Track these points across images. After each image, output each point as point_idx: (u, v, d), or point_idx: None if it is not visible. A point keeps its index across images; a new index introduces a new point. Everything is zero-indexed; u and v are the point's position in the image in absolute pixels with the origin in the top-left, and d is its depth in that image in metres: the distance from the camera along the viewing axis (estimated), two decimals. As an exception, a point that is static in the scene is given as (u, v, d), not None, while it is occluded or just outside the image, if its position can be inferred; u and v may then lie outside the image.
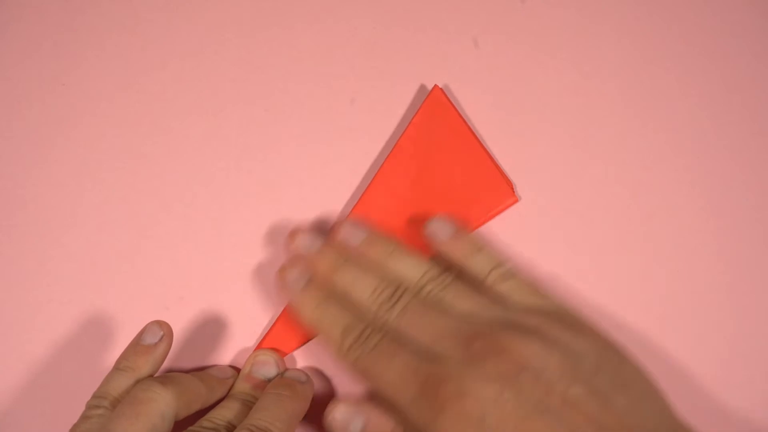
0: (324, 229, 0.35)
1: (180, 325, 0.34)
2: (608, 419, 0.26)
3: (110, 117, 0.37)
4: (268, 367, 0.32)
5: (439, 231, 0.32)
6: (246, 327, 0.34)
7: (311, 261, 0.32)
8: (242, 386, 0.32)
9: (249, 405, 0.31)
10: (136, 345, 0.30)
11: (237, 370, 0.33)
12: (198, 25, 0.38)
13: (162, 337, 0.30)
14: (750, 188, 0.35)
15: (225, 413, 0.30)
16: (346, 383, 0.33)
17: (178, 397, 0.28)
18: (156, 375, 0.30)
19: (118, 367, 0.29)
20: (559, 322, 0.28)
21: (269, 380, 0.32)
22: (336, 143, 0.36)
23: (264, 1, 0.38)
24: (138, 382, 0.29)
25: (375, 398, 0.29)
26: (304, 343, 0.33)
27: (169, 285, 0.34)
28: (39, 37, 0.38)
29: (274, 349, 0.33)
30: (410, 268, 0.31)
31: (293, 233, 0.33)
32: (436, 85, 0.35)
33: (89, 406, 0.28)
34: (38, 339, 0.34)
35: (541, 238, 0.35)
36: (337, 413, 0.28)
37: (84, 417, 0.28)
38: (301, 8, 0.38)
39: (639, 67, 0.37)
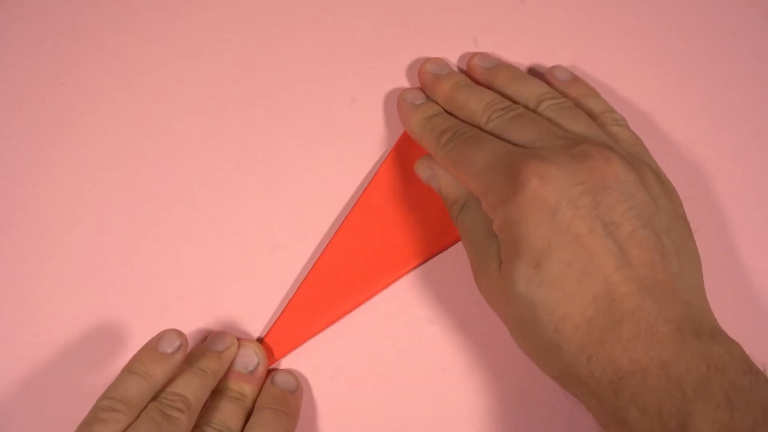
0: (322, 233, 0.35)
1: (180, 325, 0.34)
2: (660, 272, 0.26)
3: (110, 117, 0.37)
4: (247, 359, 0.32)
5: (561, 74, 0.34)
6: (246, 327, 0.34)
7: (436, 81, 0.34)
8: (231, 384, 0.32)
9: (240, 404, 0.31)
10: (153, 350, 0.29)
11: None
12: (198, 25, 0.38)
13: (179, 348, 0.29)
14: (750, 188, 0.35)
15: (223, 418, 0.30)
16: (346, 382, 0.33)
17: (196, 413, 0.29)
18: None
19: (133, 371, 0.29)
20: (658, 177, 0.29)
21: (251, 372, 0.32)
22: (336, 143, 0.36)
23: (264, 1, 0.38)
24: (158, 399, 0.29)
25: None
26: (304, 343, 0.33)
27: (169, 285, 0.34)
28: (39, 37, 0.38)
29: (259, 341, 0.33)
30: (534, 89, 0.32)
31: (426, 61, 0.35)
32: None
33: (103, 408, 0.27)
34: (38, 339, 0.34)
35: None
36: (425, 171, 0.32)
37: (99, 419, 0.27)
38: (301, 8, 0.38)
39: (639, 67, 0.37)
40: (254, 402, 0.32)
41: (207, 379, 0.30)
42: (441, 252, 0.34)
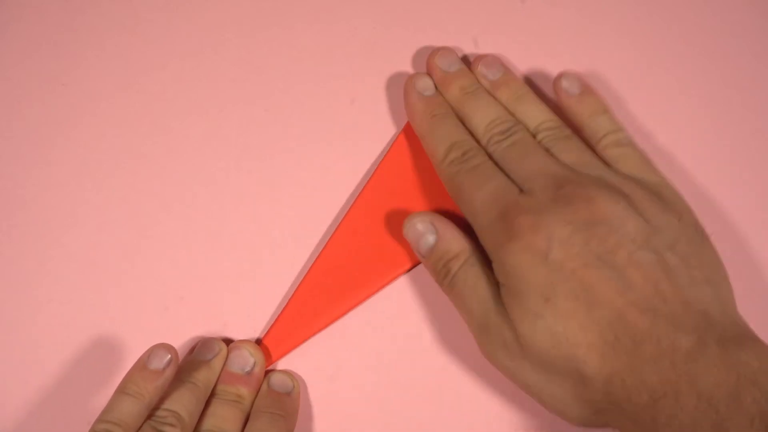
0: (322, 232, 0.35)
1: (180, 325, 0.34)
2: (666, 288, 0.26)
3: (110, 117, 0.37)
4: (243, 360, 0.32)
5: (570, 86, 0.33)
6: (246, 327, 0.34)
7: (445, 80, 0.34)
8: (228, 386, 0.32)
9: (237, 407, 0.31)
10: (143, 369, 0.29)
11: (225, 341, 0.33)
12: (198, 25, 0.38)
13: (169, 362, 0.29)
14: (751, 188, 0.35)
15: (220, 423, 0.30)
16: (345, 382, 0.33)
17: (191, 426, 0.30)
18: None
19: (125, 392, 0.29)
20: (653, 196, 0.29)
21: (248, 373, 0.32)
22: (336, 143, 0.36)
23: (264, 1, 0.38)
24: (152, 418, 0.29)
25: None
26: (303, 342, 0.33)
27: (169, 285, 0.34)
28: (39, 37, 0.38)
29: (257, 342, 0.33)
30: (533, 114, 0.33)
31: (436, 51, 0.35)
32: None
33: (99, 431, 0.27)
34: (38, 339, 0.34)
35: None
36: (418, 224, 0.31)
37: None
38: (301, 8, 0.38)
39: (639, 67, 0.37)
40: (252, 403, 0.32)
41: (198, 391, 0.30)
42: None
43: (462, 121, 0.33)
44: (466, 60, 0.36)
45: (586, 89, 0.33)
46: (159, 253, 0.35)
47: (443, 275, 0.31)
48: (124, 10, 0.38)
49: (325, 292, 0.33)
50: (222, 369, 0.32)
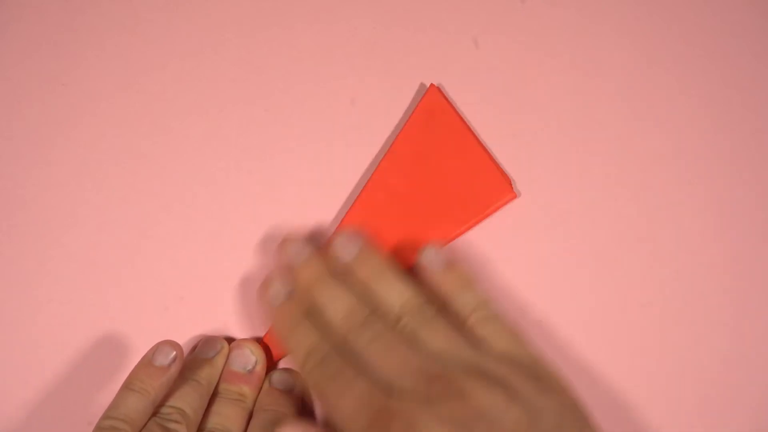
0: (322, 232, 0.35)
1: (180, 325, 0.34)
2: None
3: (110, 117, 0.37)
4: (245, 359, 0.32)
5: (433, 261, 0.31)
6: (246, 327, 0.34)
7: (295, 271, 0.32)
8: (230, 385, 0.32)
9: (240, 405, 0.31)
10: (148, 365, 0.29)
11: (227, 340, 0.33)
12: (198, 25, 0.38)
13: (175, 359, 0.30)
14: (751, 188, 0.35)
15: (224, 421, 0.30)
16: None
17: (196, 423, 0.29)
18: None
19: (131, 388, 0.29)
20: (529, 376, 0.28)
21: (250, 372, 0.32)
22: (336, 143, 0.36)
23: (264, 1, 0.38)
24: (157, 415, 0.29)
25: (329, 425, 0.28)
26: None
27: (169, 285, 0.34)
28: (39, 37, 0.38)
29: (257, 340, 0.33)
30: (393, 295, 0.30)
31: (284, 240, 0.32)
32: (432, 84, 0.36)
33: (105, 428, 0.28)
34: (38, 339, 0.34)
35: (540, 235, 0.35)
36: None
37: None
38: (301, 8, 0.38)
39: (639, 67, 0.37)
40: (254, 401, 0.32)
41: (201, 388, 0.31)
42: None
43: (320, 314, 0.30)
44: (461, 67, 0.36)
45: (450, 264, 0.31)
46: (159, 253, 0.35)
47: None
48: (124, 10, 0.38)
49: None
50: (224, 367, 0.32)
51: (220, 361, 0.32)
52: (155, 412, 0.29)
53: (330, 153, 0.36)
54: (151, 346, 0.30)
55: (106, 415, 0.28)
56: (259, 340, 0.33)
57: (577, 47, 0.37)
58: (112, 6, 0.38)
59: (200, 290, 0.34)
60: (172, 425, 0.29)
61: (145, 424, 0.28)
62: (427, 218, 0.34)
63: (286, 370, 0.33)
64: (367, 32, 0.38)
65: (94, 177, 0.36)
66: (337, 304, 0.30)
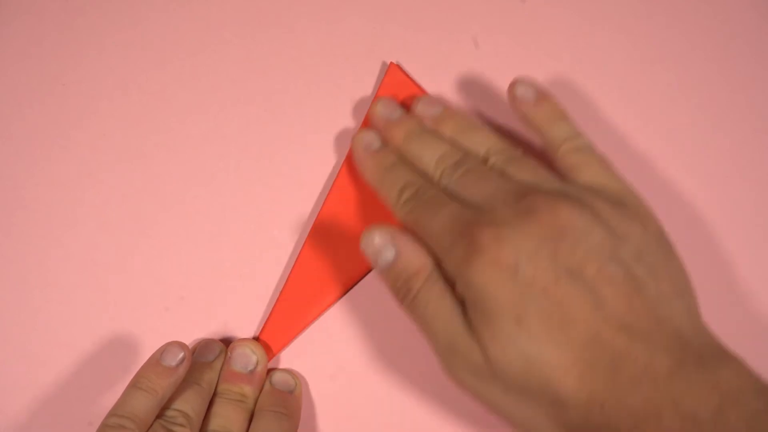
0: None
1: (180, 325, 0.34)
2: (637, 303, 0.25)
3: (110, 117, 0.37)
4: (246, 359, 0.32)
5: (526, 93, 0.32)
6: (246, 327, 0.34)
7: (389, 128, 0.33)
8: (232, 386, 0.32)
9: (242, 406, 0.31)
10: (156, 365, 0.30)
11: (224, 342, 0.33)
12: (198, 25, 0.38)
13: (182, 360, 0.30)
14: (751, 188, 0.35)
15: (226, 423, 0.30)
16: (346, 382, 0.33)
17: (198, 426, 0.30)
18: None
19: (138, 386, 0.29)
20: (616, 205, 0.28)
21: (251, 372, 0.32)
22: (336, 143, 0.36)
23: (264, 1, 0.38)
24: (161, 417, 0.29)
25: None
26: (300, 334, 0.33)
27: (169, 285, 0.34)
28: (39, 37, 0.38)
29: (256, 339, 0.33)
30: (481, 141, 0.31)
31: (376, 100, 0.34)
32: (391, 62, 0.36)
33: (111, 425, 0.27)
34: (38, 339, 0.34)
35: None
36: (376, 238, 0.28)
37: None
38: (301, 8, 0.38)
39: (639, 67, 0.37)
40: (256, 402, 0.32)
41: (203, 391, 0.31)
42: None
43: (413, 164, 0.32)
44: (460, 68, 0.36)
45: (543, 95, 0.32)
46: (159, 253, 0.35)
47: (403, 294, 0.28)
48: (124, 10, 0.38)
49: (314, 280, 0.34)
50: (222, 369, 0.32)
51: (219, 364, 0.32)
52: (159, 415, 0.29)
53: (330, 153, 0.36)
54: (152, 346, 0.30)
55: (113, 413, 0.28)
56: (257, 338, 0.33)
57: (577, 47, 0.37)
58: (112, 6, 0.38)
59: (200, 290, 0.34)
60: (177, 428, 0.29)
61: (151, 425, 0.28)
62: None
63: (286, 370, 0.33)
64: (367, 32, 0.38)
65: (94, 177, 0.36)
66: (430, 151, 0.31)
